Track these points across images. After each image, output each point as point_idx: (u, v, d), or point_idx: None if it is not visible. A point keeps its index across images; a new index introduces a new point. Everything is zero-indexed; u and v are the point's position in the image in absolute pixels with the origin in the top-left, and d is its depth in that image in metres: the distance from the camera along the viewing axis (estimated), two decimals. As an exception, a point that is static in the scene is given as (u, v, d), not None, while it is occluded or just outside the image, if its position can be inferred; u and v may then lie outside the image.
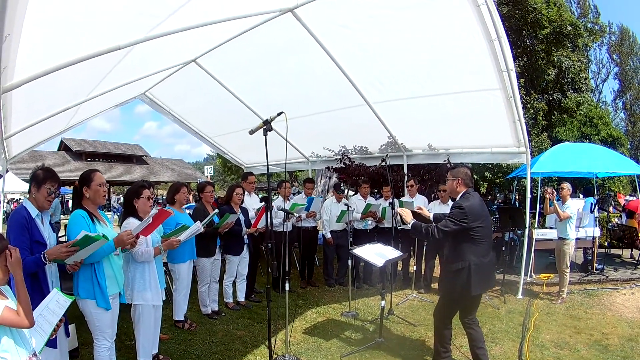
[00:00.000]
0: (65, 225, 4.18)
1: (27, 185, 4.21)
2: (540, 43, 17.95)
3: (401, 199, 8.45)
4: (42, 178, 3.57)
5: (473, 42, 5.89)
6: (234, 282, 7.27)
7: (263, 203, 7.70)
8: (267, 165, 4.69)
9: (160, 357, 5.04)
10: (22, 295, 2.50)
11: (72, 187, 32.83)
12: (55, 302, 2.88)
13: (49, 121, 5.53)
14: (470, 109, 7.39)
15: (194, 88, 8.05)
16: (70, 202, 29.05)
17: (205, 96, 8.47)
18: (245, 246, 7.17)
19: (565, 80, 19.67)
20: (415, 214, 6.92)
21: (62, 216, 13.64)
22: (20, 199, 22.18)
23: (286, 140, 4.50)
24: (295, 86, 7.89)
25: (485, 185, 14.51)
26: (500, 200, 17.70)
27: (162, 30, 4.13)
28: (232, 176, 38.40)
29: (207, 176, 10.77)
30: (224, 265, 7.19)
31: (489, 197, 16.50)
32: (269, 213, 4.53)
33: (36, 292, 3.32)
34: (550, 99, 18.96)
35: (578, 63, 19.43)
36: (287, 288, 5.55)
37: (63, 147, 40.45)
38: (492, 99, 6.86)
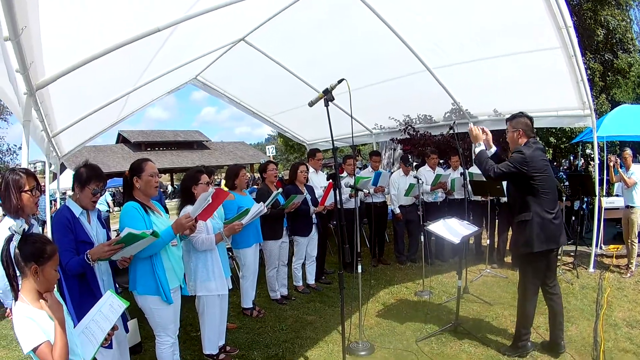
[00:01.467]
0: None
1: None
2: (587, 1, 17.04)
3: (470, 170, 7.86)
4: (85, 177, 3.26)
5: (529, 1, 5.44)
6: (303, 265, 6.97)
7: (330, 180, 7.34)
8: (332, 139, 4.27)
9: (227, 348, 4.79)
10: (59, 339, 2.17)
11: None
12: (109, 306, 2.59)
13: (99, 114, 5.36)
14: (531, 71, 6.84)
15: (246, 67, 7.72)
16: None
17: (258, 75, 8.12)
18: (313, 226, 6.82)
19: (615, 40, 18.64)
20: None
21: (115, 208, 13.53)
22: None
23: (350, 111, 4.06)
24: (349, 56, 7.41)
25: (551, 151, 13.59)
26: (565, 167, 16.77)
27: (202, 8, 3.77)
28: (295, 154, 38.42)
29: (269, 156, 10.61)
30: (292, 248, 6.87)
31: (555, 163, 15.57)
32: (337, 191, 4.08)
33: (85, 294, 3.08)
34: (603, 59, 17.75)
35: (623, 23, 18.33)
36: (359, 270, 5.16)
37: (121, 139, 41.39)
38: (554, 59, 6.30)
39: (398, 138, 10.29)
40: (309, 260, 6.96)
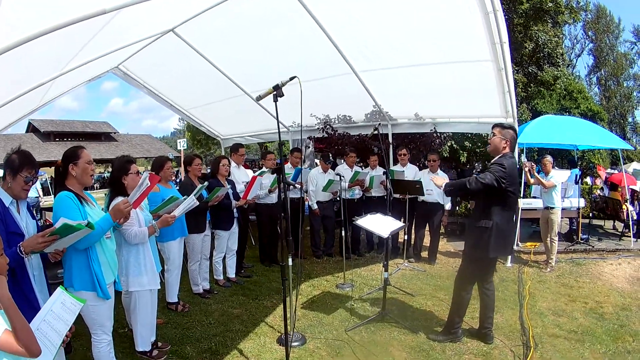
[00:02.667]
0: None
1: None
2: (519, 17, 17.92)
3: (392, 168, 8.10)
4: (18, 164, 2.98)
5: (467, 13, 5.59)
6: (224, 258, 6.81)
7: (256, 173, 7.25)
8: (279, 132, 4.28)
9: (159, 344, 4.55)
10: (12, 316, 1.94)
11: (52, 167, 31.37)
12: (61, 305, 2.32)
13: (19, 101, 4.89)
14: (459, 79, 7.08)
15: (171, 59, 7.39)
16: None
17: (182, 68, 7.82)
18: (234, 220, 6.70)
19: (542, 54, 19.91)
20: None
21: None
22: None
23: (301, 108, 4.01)
24: (278, 55, 7.31)
25: (465, 155, 14.30)
26: (478, 170, 17.72)
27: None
28: (202, 149, 37.61)
29: (179, 150, 10.25)
30: (213, 241, 6.68)
31: (468, 166, 16.39)
32: (283, 185, 4.07)
33: (15, 293, 2.72)
34: (527, 72, 18.99)
35: (555, 38, 19.59)
36: (290, 262, 5.08)
37: (31, 128, 38.52)
38: (483, 70, 6.55)
39: (315, 136, 10.30)
40: (229, 253, 6.82)
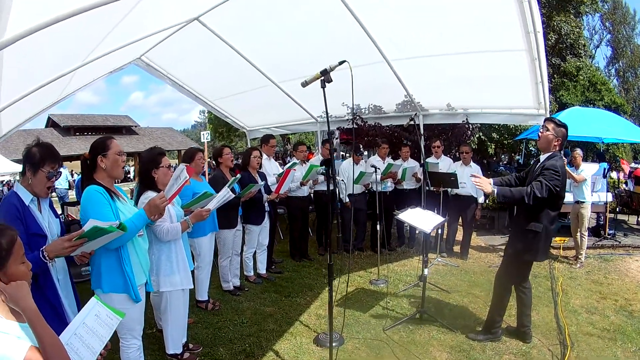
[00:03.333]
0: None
1: (18, 165, 3.29)
2: (542, 7, 17.33)
3: (427, 160, 7.77)
4: (39, 158, 2.70)
5: (501, 1, 5.26)
6: (254, 254, 6.58)
7: (288, 165, 7.00)
8: (328, 121, 3.94)
9: (190, 345, 4.31)
10: (39, 331, 1.70)
11: (71, 162, 31.49)
12: (95, 318, 2.06)
13: (38, 94, 4.66)
14: (492, 69, 6.72)
15: (195, 49, 7.10)
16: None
17: (206, 58, 7.52)
18: (266, 214, 6.45)
19: (565, 45, 19.47)
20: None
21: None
22: (10, 180, 19.98)
23: (352, 92, 3.75)
24: (306, 43, 6.94)
25: (493, 146, 13.90)
26: (505, 162, 17.37)
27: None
28: (223, 142, 37.56)
29: (203, 142, 10.04)
30: (243, 236, 6.42)
31: (494, 158, 16.03)
32: (333, 179, 3.90)
33: (39, 302, 2.50)
34: (551, 62, 18.54)
35: (577, 29, 19.09)
36: (330, 261, 4.82)
37: (51, 123, 38.60)
38: (516, 60, 6.20)
39: (345, 127, 9.98)
40: (260, 249, 6.57)
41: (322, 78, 3.69)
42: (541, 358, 4.34)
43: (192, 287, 4.09)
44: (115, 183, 3.22)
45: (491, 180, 4.66)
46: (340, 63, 3.70)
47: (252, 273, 6.54)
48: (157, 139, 41.72)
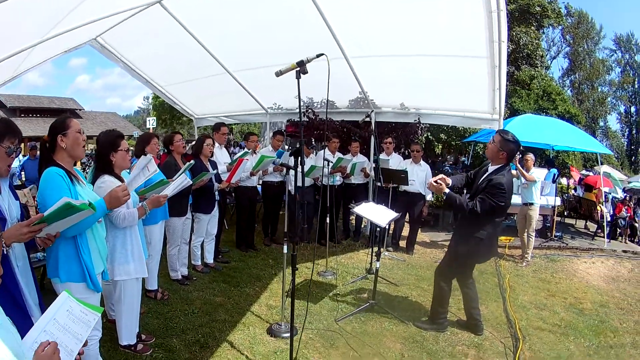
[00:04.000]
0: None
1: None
2: None
3: (381, 157, 7.85)
4: None
5: (470, 10, 5.42)
6: (202, 243, 6.42)
7: (240, 154, 6.87)
8: (300, 113, 4.04)
9: (143, 336, 4.13)
10: None
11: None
12: (67, 314, 1.87)
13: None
14: (451, 73, 6.87)
15: (153, 33, 6.86)
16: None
17: (163, 42, 7.30)
18: (216, 203, 6.31)
19: (521, 54, 20.13)
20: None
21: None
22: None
23: (328, 85, 3.70)
24: (266, 34, 6.92)
25: (440, 147, 14.23)
26: (450, 162, 17.86)
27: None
28: (166, 129, 36.61)
29: (148, 128, 9.63)
30: (192, 225, 6.25)
31: (440, 158, 16.41)
32: (302, 169, 3.88)
33: None
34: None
35: (536, 40, 19.66)
36: (285, 250, 4.93)
37: None
38: (477, 66, 6.38)
39: (295, 120, 9.89)
40: (208, 238, 6.42)
41: (298, 69, 3.62)
42: (494, 349, 4.50)
43: (147, 275, 3.93)
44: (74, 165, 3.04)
45: (450, 181, 4.76)
46: (318, 56, 3.62)
47: (199, 262, 6.37)
48: (101, 124, 40.17)
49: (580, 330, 5.13)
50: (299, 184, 4.87)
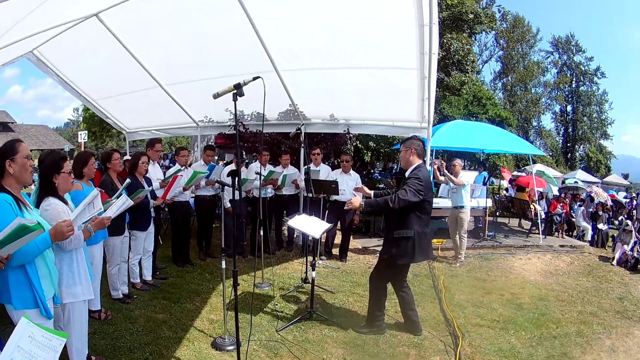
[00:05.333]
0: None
1: None
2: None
3: (309, 168, 8.04)
4: None
5: (403, 23, 5.66)
6: (139, 261, 6.32)
7: (176, 170, 6.85)
8: (237, 132, 4.15)
9: (93, 358, 4.05)
10: None
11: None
12: (29, 340, 1.87)
13: None
14: (381, 84, 7.17)
15: (88, 46, 6.71)
16: None
17: (97, 56, 7.14)
18: (152, 220, 6.26)
19: (452, 61, 20.20)
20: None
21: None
22: None
23: (264, 105, 3.83)
24: (200, 48, 6.96)
25: (369, 154, 14.58)
26: (380, 169, 18.18)
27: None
28: (95, 142, 35.21)
29: (80, 142, 9.30)
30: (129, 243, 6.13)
31: (368, 166, 16.73)
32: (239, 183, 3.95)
33: None
34: None
35: (467, 47, 20.00)
36: (223, 265, 5.07)
37: None
38: (406, 77, 6.67)
39: (226, 133, 9.90)
40: (145, 255, 6.34)
41: (235, 91, 3.77)
42: (434, 348, 4.76)
43: (93, 297, 3.90)
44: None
45: (369, 191, 5.11)
46: (255, 79, 3.80)
47: (138, 280, 6.27)
48: (32, 137, 38.68)
49: (520, 323, 5.45)
50: (237, 198, 4.92)
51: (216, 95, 3.81)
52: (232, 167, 8.11)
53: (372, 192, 5.20)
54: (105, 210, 3.91)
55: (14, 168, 2.82)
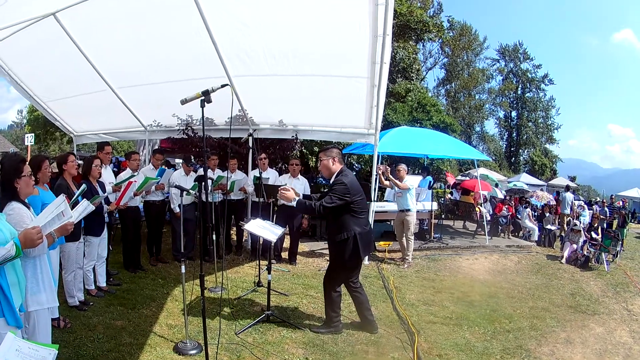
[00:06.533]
0: None
1: None
2: None
3: (254, 173, 8.07)
4: None
5: (357, 33, 5.83)
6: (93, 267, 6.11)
7: (131, 176, 6.69)
8: (204, 138, 4.39)
9: None
10: None
11: None
12: (16, 353, 1.86)
13: None
14: (330, 91, 7.32)
15: (42, 46, 6.49)
16: None
17: (50, 56, 6.91)
18: (105, 225, 6.11)
19: (397, 68, 20.40)
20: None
21: None
22: None
23: (231, 112, 3.91)
24: (154, 52, 6.88)
25: (314, 159, 14.63)
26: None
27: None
28: (39, 144, 33.64)
29: (27, 145, 8.85)
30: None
31: (313, 171, 16.73)
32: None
33: None
34: None
35: (413, 55, 20.12)
36: (182, 270, 4.97)
37: None
38: (356, 85, 6.87)
39: (174, 137, 9.73)
40: (99, 261, 6.16)
41: (203, 98, 3.84)
42: (392, 344, 4.90)
43: (57, 304, 3.76)
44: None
45: (301, 194, 5.30)
46: (223, 86, 3.93)
47: (93, 286, 6.06)
48: None
49: (473, 320, 5.67)
50: (208, 202, 4.92)
51: (184, 101, 3.86)
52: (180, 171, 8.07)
53: (301, 195, 5.37)
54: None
55: None
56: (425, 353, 4.77)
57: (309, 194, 6.32)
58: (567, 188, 16.11)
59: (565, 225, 13.44)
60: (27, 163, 3.85)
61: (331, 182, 4.97)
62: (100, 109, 8.61)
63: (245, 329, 5.11)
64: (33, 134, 10.48)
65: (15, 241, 2.66)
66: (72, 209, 3.85)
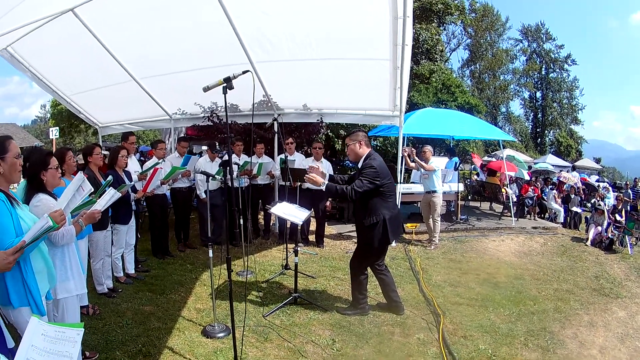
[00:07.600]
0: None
1: None
2: None
3: (281, 157, 8.02)
4: None
5: (377, 15, 5.70)
6: (122, 254, 6.17)
7: (156, 163, 6.71)
8: (227, 124, 4.13)
9: (87, 354, 3.97)
10: None
11: None
12: (43, 337, 1.83)
13: None
14: (354, 74, 7.19)
15: (62, 42, 6.52)
16: None
17: (71, 51, 6.93)
18: (132, 213, 6.14)
19: (420, 50, 20.05)
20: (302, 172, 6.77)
21: None
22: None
23: (253, 98, 3.82)
24: (174, 41, 6.83)
25: (340, 142, 14.48)
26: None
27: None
28: (64, 137, 34.33)
29: (52, 138, 9.01)
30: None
31: (341, 157, 16.60)
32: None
33: None
34: None
35: (437, 36, 19.81)
36: (210, 254, 5.03)
37: None
38: (379, 68, 6.73)
39: (200, 124, 9.76)
40: (127, 248, 6.21)
41: (225, 85, 3.74)
42: (417, 326, 4.86)
43: (86, 291, 3.79)
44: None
45: (327, 176, 5.10)
46: (244, 72, 3.81)
47: (121, 274, 6.14)
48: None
49: (498, 301, 5.59)
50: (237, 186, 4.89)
51: (206, 89, 3.77)
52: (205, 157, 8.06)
53: (327, 176, 5.18)
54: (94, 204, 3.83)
55: (3, 167, 2.72)
56: (451, 334, 4.71)
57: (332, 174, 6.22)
58: (574, 168, 15.67)
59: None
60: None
61: (360, 165, 4.91)
62: (124, 99, 8.65)
63: (272, 312, 5.12)
64: (57, 128, 10.64)
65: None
66: (98, 199, 3.89)
